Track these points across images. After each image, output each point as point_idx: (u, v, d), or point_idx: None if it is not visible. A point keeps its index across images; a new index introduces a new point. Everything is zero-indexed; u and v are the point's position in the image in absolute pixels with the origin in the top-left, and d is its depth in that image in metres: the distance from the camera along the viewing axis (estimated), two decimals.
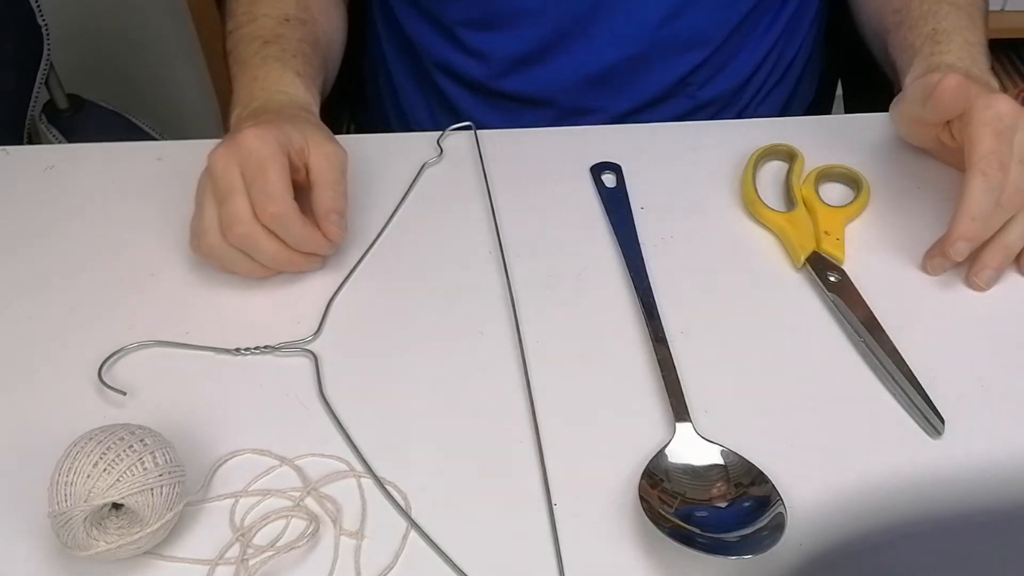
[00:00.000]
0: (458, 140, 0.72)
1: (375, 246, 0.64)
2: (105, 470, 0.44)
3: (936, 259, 0.60)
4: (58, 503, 0.44)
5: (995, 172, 0.55)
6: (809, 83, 0.91)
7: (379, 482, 0.50)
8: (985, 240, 0.58)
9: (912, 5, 0.69)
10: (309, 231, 0.58)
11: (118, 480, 0.44)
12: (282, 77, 0.68)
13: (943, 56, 0.65)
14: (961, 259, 0.58)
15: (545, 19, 0.77)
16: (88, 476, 0.43)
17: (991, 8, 0.74)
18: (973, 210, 0.56)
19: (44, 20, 1.19)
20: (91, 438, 0.45)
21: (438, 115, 0.86)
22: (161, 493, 0.45)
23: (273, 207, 0.56)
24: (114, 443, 0.45)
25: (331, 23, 0.78)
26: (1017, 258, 0.60)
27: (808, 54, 0.88)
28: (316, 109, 0.68)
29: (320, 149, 0.60)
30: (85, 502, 0.43)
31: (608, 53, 0.78)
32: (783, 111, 0.88)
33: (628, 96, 0.80)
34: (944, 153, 0.66)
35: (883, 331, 0.56)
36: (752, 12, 0.79)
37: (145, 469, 0.45)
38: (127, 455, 0.44)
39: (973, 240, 0.57)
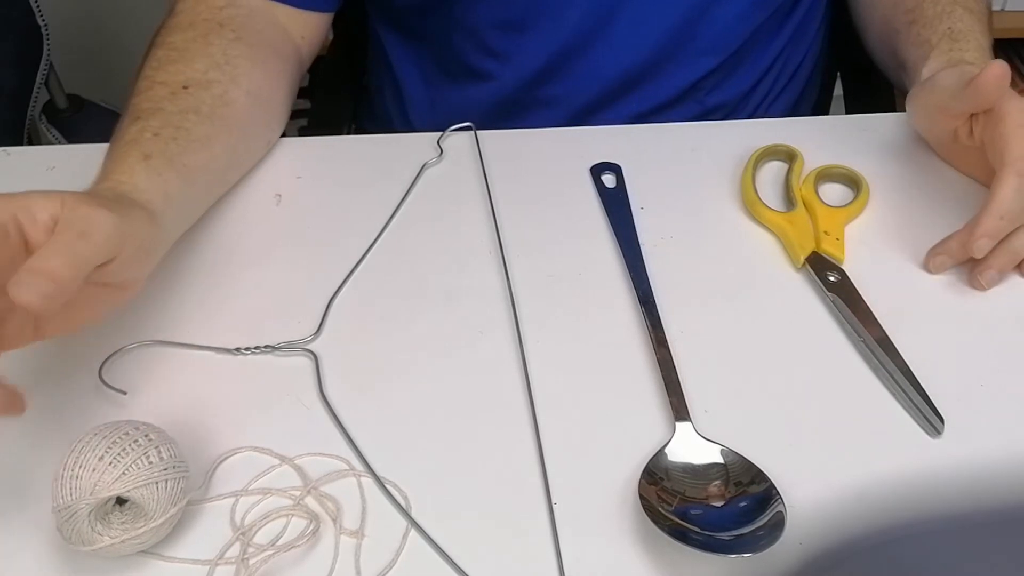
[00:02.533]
0: (458, 140, 0.72)
1: (375, 246, 0.64)
2: (111, 463, 0.44)
3: (939, 257, 0.60)
4: (63, 496, 0.44)
5: None
6: (814, 87, 0.92)
7: (379, 481, 0.50)
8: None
9: (925, 6, 0.70)
10: None
11: (124, 473, 0.44)
12: (122, 163, 0.57)
13: (963, 53, 0.65)
14: (981, 256, 0.57)
15: (568, 21, 0.77)
16: (94, 469, 0.44)
17: (992, 8, 0.75)
18: (1003, 208, 0.56)
19: (44, 20, 1.19)
20: (96, 433, 0.45)
21: (443, 117, 0.86)
22: (166, 487, 0.45)
23: None
24: (119, 438, 0.45)
25: (267, 75, 0.70)
26: (1019, 263, 0.60)
27: (815, 60, 0.88)
28: (154, 196, 0.56)
29: (75, 211, 0.47)
30: (91, 495, 0.43)
31: (623, 60, 0.78)
32: (789, 116, 0.88)
33: (637, 101, 0.80)
34: (952, 152, 0.66)
35: (883, 331, 0.56)
36: (763, 21, 0.79)
37: (150, 463, 0.45)
38: (132, 449, 0.45)
39: (996, 238, 0.57)
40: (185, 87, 0.64)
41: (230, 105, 0.66)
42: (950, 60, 0.65)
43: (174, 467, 0.46)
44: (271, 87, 0.70)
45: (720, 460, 0.49)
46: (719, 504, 0.47)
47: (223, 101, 0.65)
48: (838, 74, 1.00)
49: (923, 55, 0.68)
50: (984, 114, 0.59)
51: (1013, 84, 0.57)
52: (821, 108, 0.98)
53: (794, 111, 0.89)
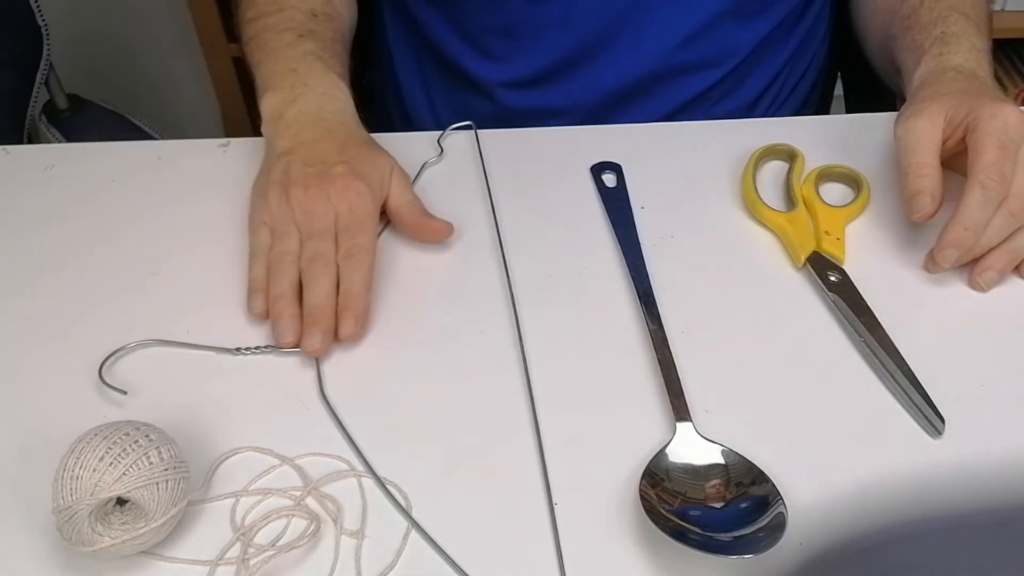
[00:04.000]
0: (458, 140, 0.72)
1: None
2: (111, 464, 0.44)
3: (931, 263, 0.60)
4: (63, 497, 0.44)
5: (995, 184, 0.56)
6: (818, 91, 0.92)
7: (380, 481, 0.50)
8: (977, 249, 0.58)
9: (921, 12, 0.70)
10: (367, 284, 0.58)
11: (124, 474, 0.44)
12: (325, 78, 0.67)
13: (951, 56, 0.65)
14: (949, 266, 0.58)
15: (570, 32, 0.77)
16: (94, 470, 0.44)
17: (992, 8, 0.75)
18: (966, 220, 0.56)
19: (44, 20, 1.19)
20: (96, 433, 0.45)
21: (442, 118, 0.86)
22: (167, 487, 0.45)
23: (363, 253, 0.59)
24: (119, 438, 0.45)
25: (351, 16, 0.78)
26: (1018, 265, 0.60)
27: (820, 65, 0.88)
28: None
29: (397, 188, 0.63)
30: (91, 496, 0.43)
31: (629, 69, 0.78)
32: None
33: (643, 112, 0.80)
34: (946, 158, 0.66)
35: (883, 331, 0.56)
36: (771, 32, 0.79)
37: (151, 463, 0.45)
38: (133, 450, 0.44)
39: (962, 249, 0.57)
40: (314, 15, 0.71)
41: (344, 39, 0.74)
42: (939, 64, 0.65)
43: (174, 467, 0.46)
44: (353, 23, 0.79)
45: (721, 461, 0.49)
46: (720, 505, 0.47)
47: (342, 34, 0.74)
48: (838, 74, 1.00)
49: (915, 60, 0.68)
50: (967, 121, 0.59)
51: (1013, 84, 0.57)
52: (821, 108, 0.98)
53: (797, 115, 0.89)
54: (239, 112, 1.56)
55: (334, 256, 0.58)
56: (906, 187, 0.59)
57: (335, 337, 0.56)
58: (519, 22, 0.77)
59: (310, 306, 0.57)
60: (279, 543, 0.47)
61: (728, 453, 0.49)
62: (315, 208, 0.59)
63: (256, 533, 0.48)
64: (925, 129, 0.59)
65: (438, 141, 0.72)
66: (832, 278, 0.59)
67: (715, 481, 0.48)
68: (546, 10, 0.76)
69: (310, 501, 0.49)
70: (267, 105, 0.66)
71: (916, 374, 0.54)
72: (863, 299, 0.58)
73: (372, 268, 0.59)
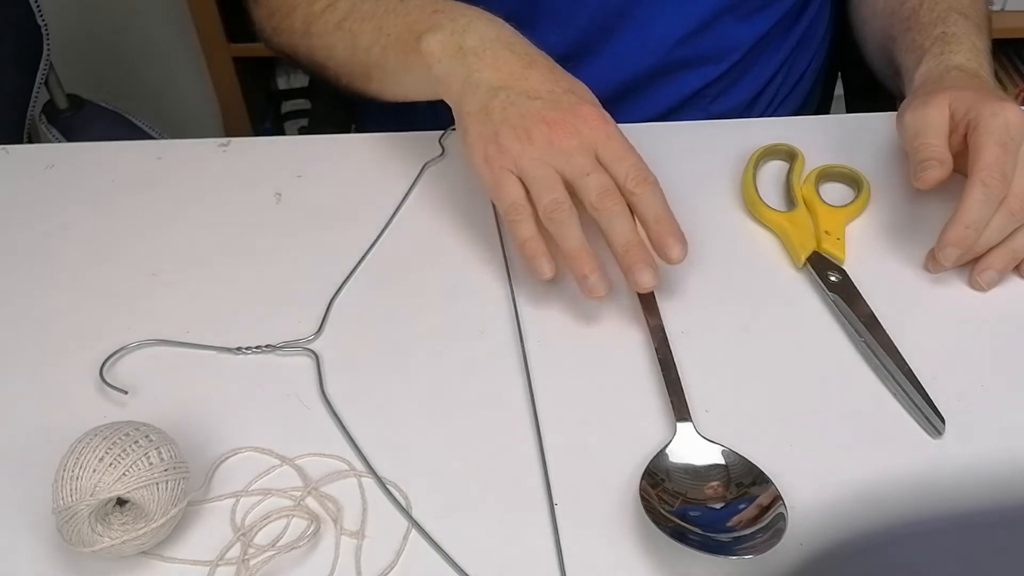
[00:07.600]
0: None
1: (376, 245, 0.64)
2: (111, 464, 0.44)
3: (932, 262, 0.60)
4: (63, 498, 0.44)
5: (996, 183, 0.56)
6: (818, 91, 0.92)
7: (380, 482, 0.50)
8: (977, 248, 0.58)
9: (921, 12, 0.70)
10: (669, 207, 0.56)
11: (124, 474, 0.44)
12: (469, 8, 0.63)
13: (952, 56, 0.65)
14: (950, 265, 0.58)
15: (568, 28, 0.77)
16: (94, 471, 0.44)
17: (992, 8, 0.75)
18: (967, 218, 0.56)
19: (44, 20, 1.19)
20: (96, 434, 0.45)
21: (443, 117, 0.86)
22: (167, 488, 0.45)
23: (651, 177, 0.56)
24: (120, 438, 0.45)
25: None
26: (1018, 264, 0.60)
27: (820, 64, 0.88)
28: None
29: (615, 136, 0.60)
30: (91, 496, 0.43)
31: (627, 66, 0.78)
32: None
33: (640, 108, 0.80)
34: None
35: (883, 331, 0.56)
36: (769, 29, 0.79)
37: (151, 464, 0.45)
38: (133, 450, 0.45)
39: (963, 248, 0.57)
40: None
41: None
42: (940, 63, 0.65)
43: (174, 468, 0.46)
44: None
45: (721, 461, 0.49)
46: (720, 505, 0.47)
47: None
48: (839, 74, 1.00)
49: (916, 60, 0.68)
50: (968, 119, 0.59)
51: (1013, 84, 0.57)
52: (821, 108, 0.98)
53: (797, 114, 0.89)
54: (239, 112, 1.56)
55: (616, 187, 0.55)
56: (915, 158, 0.59)
57: (669, 261, 0.55)
58: (516, 19, 0.77)
59: (625, 244, 0.54)
60: (279, 543, 0.47)
61: (728, 453, 0.49)
62: (570, 143, 0.56)
63: (256, 533, 0.48)
64: (933, 116, 0.59)
65: (439, 141, 0.72)
66: (832, 278, 0.59)
67: (715, 481, 0.48)
68: (544, 6, 0.76)
69: (310, 501, 0.49)
70: (434, 44, 0.61)
71: (916, 374, 0.54)
72: (863, 299, 0.58)
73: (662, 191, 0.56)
